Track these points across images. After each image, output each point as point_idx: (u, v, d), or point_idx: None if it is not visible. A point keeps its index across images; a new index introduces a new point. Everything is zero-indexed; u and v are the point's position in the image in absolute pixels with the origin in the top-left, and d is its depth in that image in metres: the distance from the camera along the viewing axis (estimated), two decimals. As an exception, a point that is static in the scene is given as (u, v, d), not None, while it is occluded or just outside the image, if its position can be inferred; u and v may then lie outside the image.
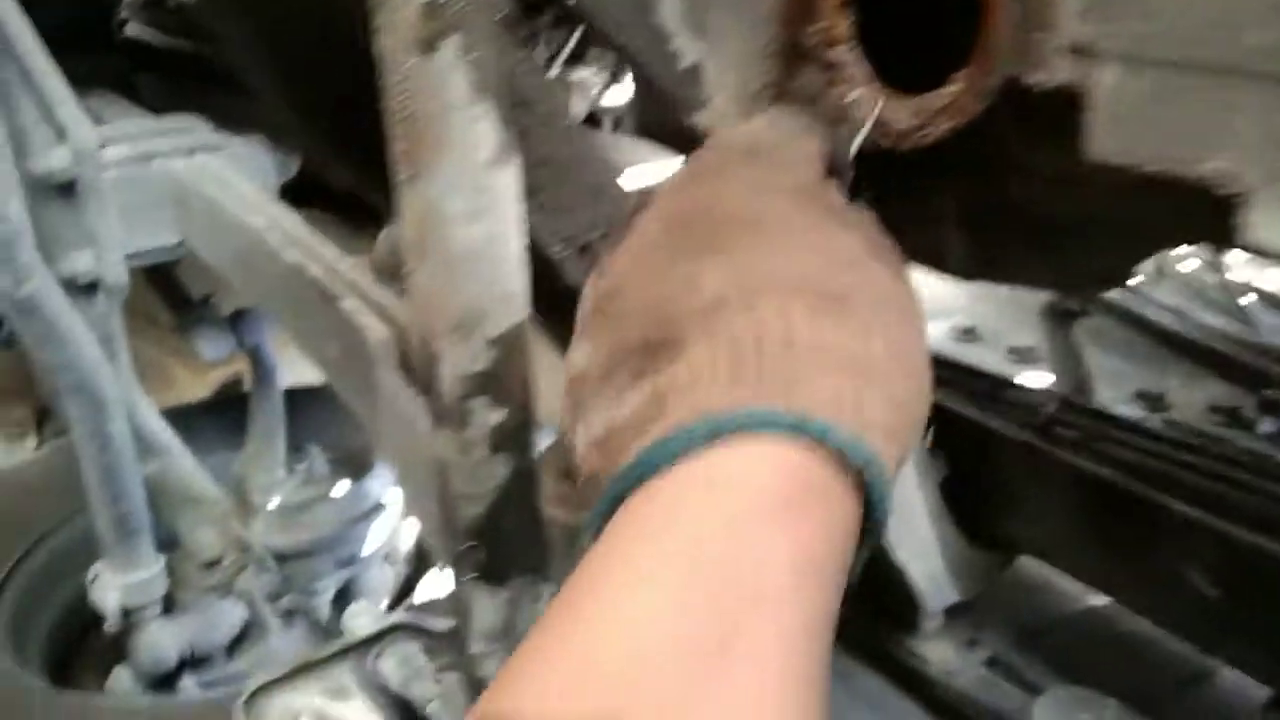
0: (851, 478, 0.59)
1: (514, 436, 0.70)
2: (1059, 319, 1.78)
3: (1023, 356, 2.05)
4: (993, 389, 1.51)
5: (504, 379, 0.68)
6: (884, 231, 0.87)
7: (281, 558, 2.76)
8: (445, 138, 0.61)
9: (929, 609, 1.31)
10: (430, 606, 1.82)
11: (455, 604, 0.88)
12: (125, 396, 2.47)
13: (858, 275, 0.73)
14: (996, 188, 0.96)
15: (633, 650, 0.49)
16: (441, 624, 1.73)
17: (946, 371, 1.59)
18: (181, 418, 3.07)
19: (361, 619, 1.72)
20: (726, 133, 0.88)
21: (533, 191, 0.92)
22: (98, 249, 2.25)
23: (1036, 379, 1.89)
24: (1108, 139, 0.78)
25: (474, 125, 0.61)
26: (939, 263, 1.07)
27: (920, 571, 1.29)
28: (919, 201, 1.08)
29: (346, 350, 1.51)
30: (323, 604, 2.85)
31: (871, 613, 1.41)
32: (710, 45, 1.01)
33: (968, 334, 2.25)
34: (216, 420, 3.57)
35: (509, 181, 0.65)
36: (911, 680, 1.52)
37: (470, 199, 0.63)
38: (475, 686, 0.84)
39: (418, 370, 0.70)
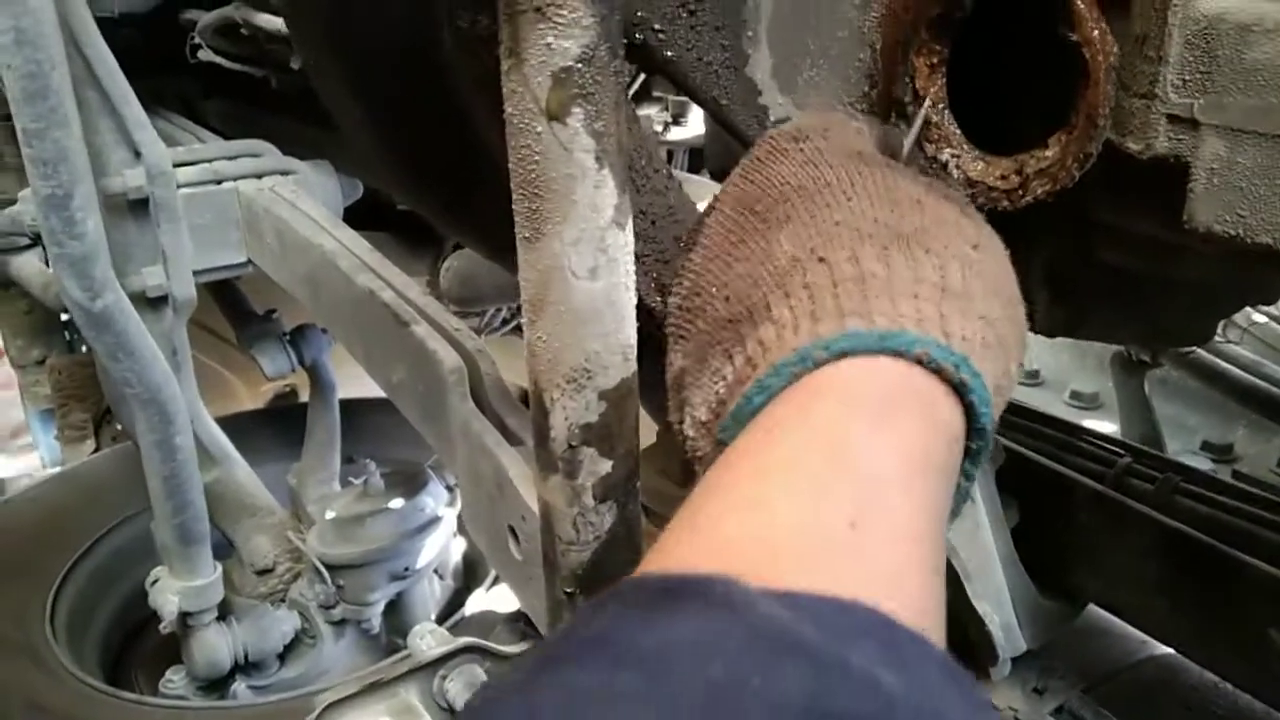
0: (948, 385, 0.59)
1: (620, 487, 0.72)
2: (1129, 368, 1.76)
3: (1086, 402, 2.03)
4: (1066, 436, 1.51)
5: (613, 431, 0.70)
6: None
7: (335, 568, 2.79)
8: (570, 203, 0.63)
9: (1002, 656, 1.31)
10: (490, 624, 1.84)
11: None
12: (189, 407, 2.52)
13: (923, 215, 0.73)
14: (1085, 250, 0.97)
15: (766, 527, 0.50)
16: (509, 647, 1.75)
17: (1018, 417, 1.59)
18: (236, 426, 3.13)
19: (427, 639, 1.74)
20: (775, 129, 0.89)
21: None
22: (168, 265, 2.31)
23: (1101, 426, 1.88)
24: (1210, 209, 0.78)
25: (597, 191, 0.63)
26: (1032, 322, 1.08)
27: (997, 618, 1.28)
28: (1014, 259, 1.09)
29: (416, 374, 1.54)
30: (375, 615, 2.88)
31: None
32: (799, 101, 1.02)
33: (1032, 377, 2.24)
34: (271, 429, 3.63)
35: (625, 240, 0.67)
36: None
37: (591, 258, 0.64)
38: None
39: (533, 419, 0.72)
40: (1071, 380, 2.08)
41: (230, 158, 2.41)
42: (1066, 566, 1.39)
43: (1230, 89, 0.75)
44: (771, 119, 1.04)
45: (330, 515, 2.83)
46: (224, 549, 2.85)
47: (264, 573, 2.89)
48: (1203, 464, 1.84)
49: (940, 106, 0.96)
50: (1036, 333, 1.11)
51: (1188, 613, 1.24)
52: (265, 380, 3.78)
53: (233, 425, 3.15)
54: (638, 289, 0.84)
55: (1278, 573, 1.14)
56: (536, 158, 0.63)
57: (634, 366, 0.69)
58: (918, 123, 0.92)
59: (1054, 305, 1.04)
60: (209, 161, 2.38)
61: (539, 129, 0.61)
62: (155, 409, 2.42)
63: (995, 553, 1.25)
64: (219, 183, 2.36)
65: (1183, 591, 1.24)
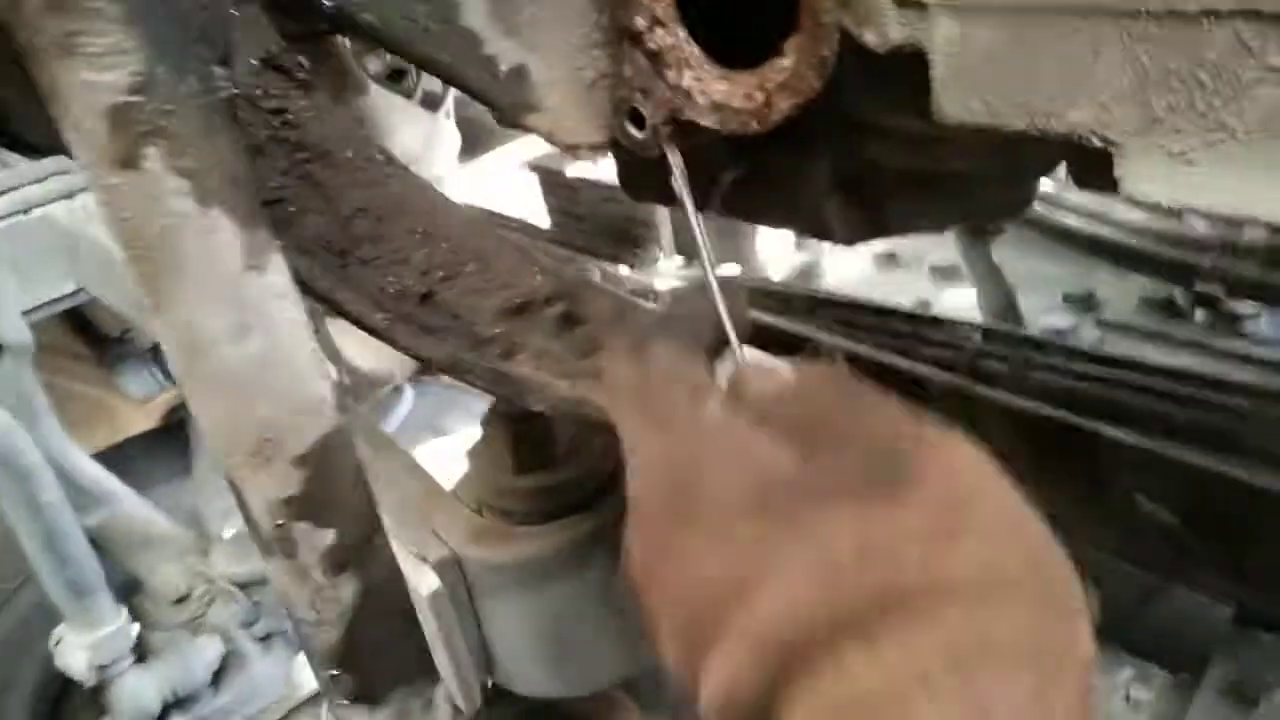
0: None
1: (356, 552, 0.62)
2: (974, 236, 1.70)
3: (945, 275, 1.97)
4: (914, 329, 1.44)
5: (325, 496, 0.60)
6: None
7: (247, 585, 2.69)
8: (177, 255, 0.51)
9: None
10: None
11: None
12: (54, 455, 2.37)
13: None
14: (860, 153, 0.87)
15: None
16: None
17: (867, 316, 1.52)
18: (126, 454, 2.97)
19: (308, 670, 1.65)
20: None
21: (352, 246, 0.83)
22: (-9, 311, 2.14)
23: (961, 297, 1.82)
24: (955, 98, 0.69)
25: (210, 237, 0.52)
26: (823, 232, 0.99)
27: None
28: (790, 175, 0.99)
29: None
30: (300, 624, 2.79)
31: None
32: (529, 43, 0.90)
33: (889, 259, 2.18)
34: (166, 449, 3.46)
35: (273, 282, 0.56)
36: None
37: (229, 315, 0.53)
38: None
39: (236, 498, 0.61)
40: (929, 254, 2.02)
41: (38, 180, 2.21)
42: (936, 463, 1.33)
43: (953, -40, 0.65)
44: (502, 69, 0.93)
45: (230, 533, 2.71)
46: (134, 586, 2.73)
47: (179, 601, 2.78)
48: (1065, 319, 1.79)
49: (674, 26, 0.85)
50: (836, 242, 1.03)
51: (1058, 490, 1.19)
52: (149, 400, 3.60)
53: (122, 454, 2.99)
54: (354, 310, 0.73)
55: (1133, 438, 1.08)
56: (125, 214, 0.51)
57: (335, 418, 0.59)
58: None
59: (847, 210, 0.96)
60: (13, 189, 2.19)
61: (114, 181, 0.50)
62: (12, 471, 2.27)
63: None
64: (27, 211, 2.17)
65: (1049, 470, 1.18)
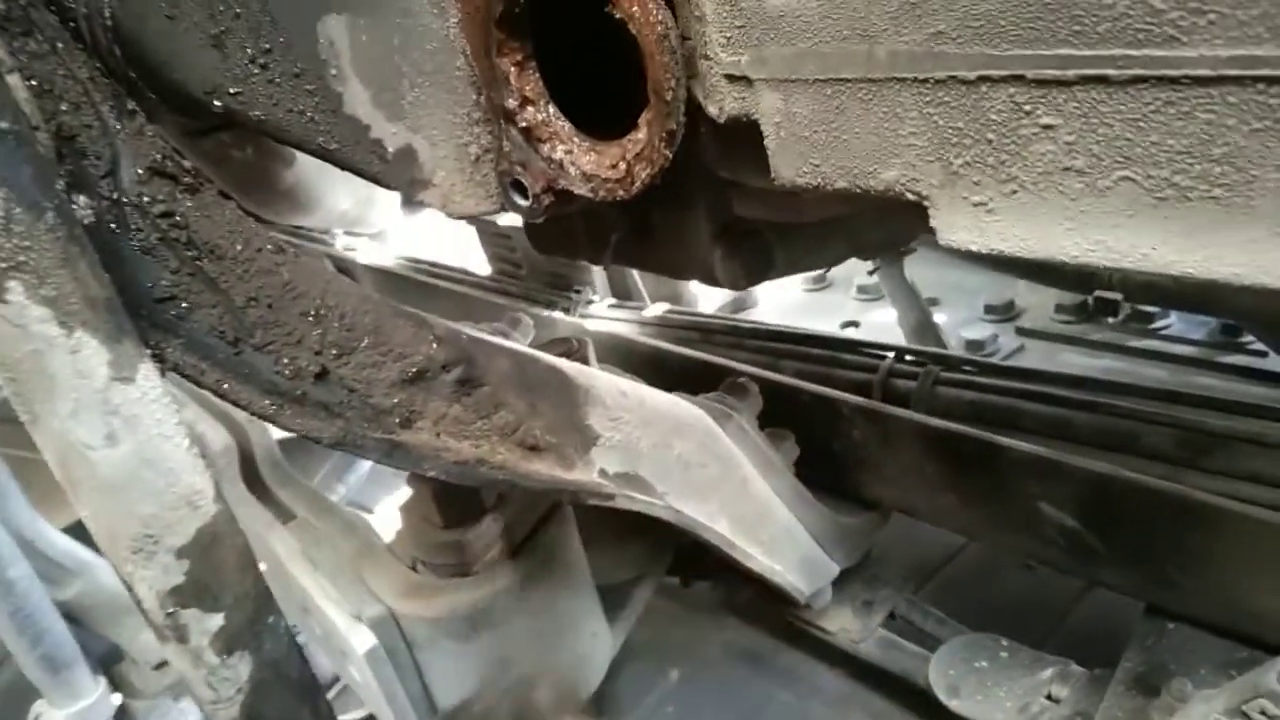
0: None
1: (247, 633, 0.66)
2: (889, 261, 1.75)
3: (872, 294, 2.02)
4: (831, 354, 1.48)
5: (211, 582, 0.63)
6: None
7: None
8: (48, 378, 0.55)
9: (804, 596, 1.29)
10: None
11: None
12: (22, 530, 2.37)
13: None
14: (730, 208, 0.92)
15: None
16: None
17: (786, 345, 1.56)
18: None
19: None
20: None
21: (246, 335, 0.86)
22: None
23: (886, 314, 1.86)
24: (787, 162, 0.74)
25: (76, 356, 0.56)
26: (712, 279, 1.03)
27: (788, 563, 1.26)
28: (675, 229, 1.04)
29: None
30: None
31: (770, 590, 1.38)
32: (414, 125, 0.95)
33: (819, 282, 2.23)
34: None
35: (143, 389, 0.60)
36: (823, 650, 1.52)
37: (99, 424, 0.57)
38: None
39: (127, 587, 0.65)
40: (856, 275, 2.07)
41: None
42: (855, 482, 1.37)
43: (766, 41, 0.70)
44: (391, 151, 0.97)
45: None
46: (115, 654, 2.72)
47: (160, 667, 2.78)
48: (985, 330, 1.84)
49: (544, 104, 0.90)
50: (727, 286, 1.07)
51: (968, 502, 1.24)
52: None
53: None
54: (264, 383, 0.77)
55: (1034, 449, 1.13)
56: (-7, 342, 0.55)
57: (213, 508, 0.62)
58: None
59: (730, 259, 1.00)
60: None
61: (-22, 312, 0.53)
62: (-31, 551, 2.28)
63: (771, 499, 1.22)
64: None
65: (958, 483, 1.23)
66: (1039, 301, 1.90)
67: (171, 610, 0.63)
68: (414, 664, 1.20)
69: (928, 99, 0.64)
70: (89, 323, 0.56)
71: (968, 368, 1.34)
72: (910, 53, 0.64)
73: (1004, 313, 1.91)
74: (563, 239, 1.18)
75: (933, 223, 0.69)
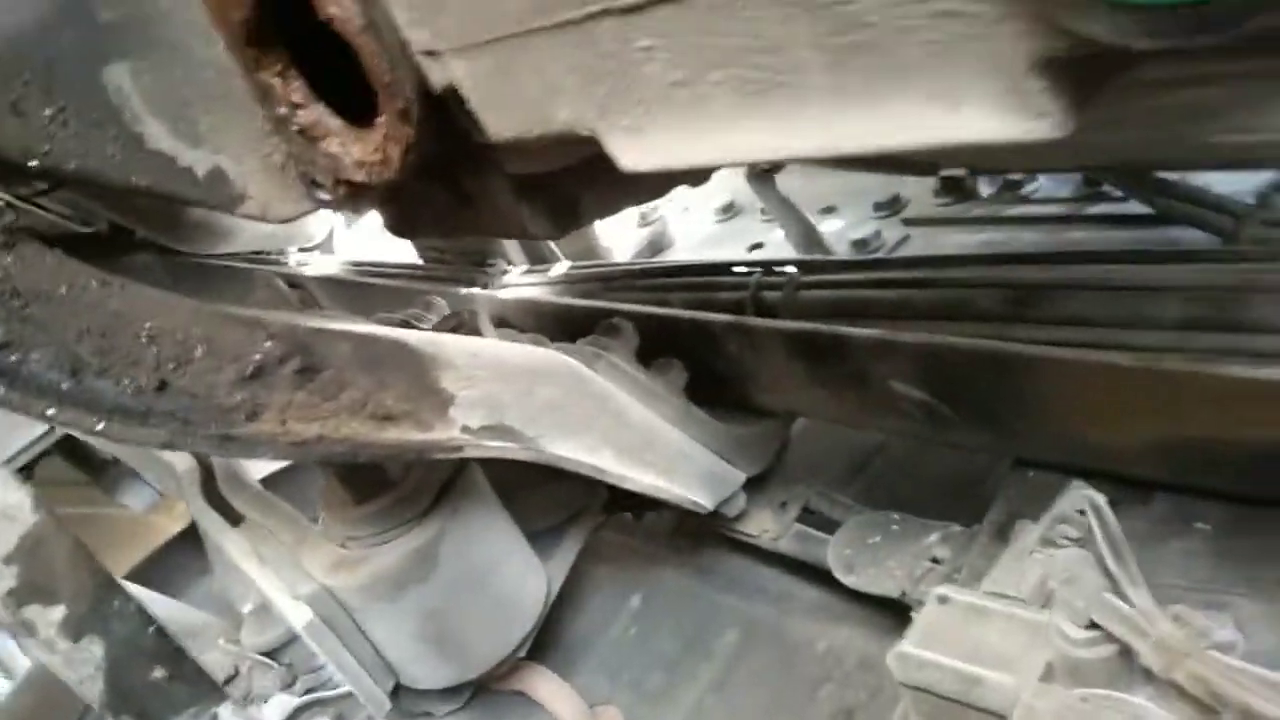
0: None
1: (91, 619, 0.73)
2: (762, 179, 1.76)
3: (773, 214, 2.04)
4: (711, 279, 1.52)
5: (45, 581, 0.71)
6: None
7: (275, 651, 2.81)
8: None
9: (705, 509, 1.34)
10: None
11: None
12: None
13: None
14: (504, 166, 0.97)
15: None
16: (342, 688, 1.78)
17: (671, 279, 1.61)
18: (160, 561, 3.10)
19: (272, 710, 1.80)
20: None
21: (83, 366, 0.94)
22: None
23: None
24: (490, 120, 0.78)
25: None
26: (525, 232, 1.08)
27: (687, 481, 1.31)
28: (485, 194, 1.09)
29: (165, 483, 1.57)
30: (334, 675, 2.92)
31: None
32: (216, 147, 1.00)
33: (728, 209, 2.25)
34: (196, 545, 3.61)
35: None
36: (755, 553, 1.57)
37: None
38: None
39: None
40: (760, 200, 2.08)
41: None
42: (743, 395, 1.42)
43: (436, 16, 0.75)
44: (201, 175, 1.03)
45: (248, 607, 2.84)
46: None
47: (229, 681, 2.92)
48: (871, 228, 1.86)
49: (311, 104, 0.95)
50: (541, 239, 1.12)
51: (835, 393, 1.28)
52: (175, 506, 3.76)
53: (157, 561, 3.12)
54: (105, 402, 0.84)
55: (872, 332, 1.16)
56: None
57: (32, 517, 0.70)
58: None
59: (535, 214, 1.05)
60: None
61: None
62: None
63: (657, 424, 1.27)
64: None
65: (821, 377, 1.27)
66: (922, 193, 1.91)
67: (14, 609, 0.71)
68: (360, 632, 1.28)
69: (560, 44, 0.68)
70: None
71: (825, 270, 1.38)
72: (530, 5, 0.68)
73: (890, 207, 1.92)
74: (409, 222, 1.24)
75: (607, 151, 0.73)
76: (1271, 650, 0.92)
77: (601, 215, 1.11)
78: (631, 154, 0.71)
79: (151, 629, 0.79)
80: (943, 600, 0.92)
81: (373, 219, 2.75)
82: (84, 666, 0.74)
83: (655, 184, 1.13)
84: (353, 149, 0.93)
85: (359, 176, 0.94)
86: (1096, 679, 0.77)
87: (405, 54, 0.80)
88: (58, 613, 0.71)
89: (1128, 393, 1.01)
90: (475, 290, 1.78)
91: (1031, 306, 1.15)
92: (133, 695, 0.77)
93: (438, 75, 0.80)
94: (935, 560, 1.21)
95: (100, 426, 0.85)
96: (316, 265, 2.34)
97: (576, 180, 1.09)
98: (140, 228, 1.96)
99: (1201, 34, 0.47)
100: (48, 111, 1.01)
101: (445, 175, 1.09)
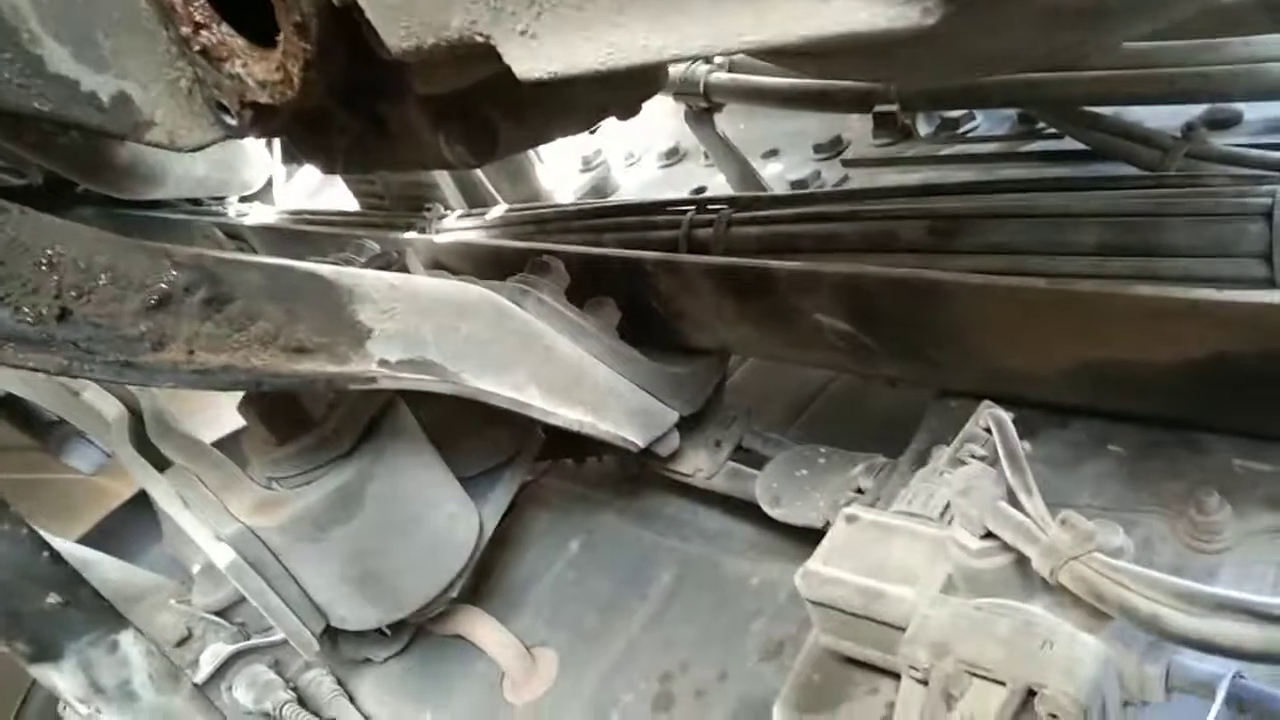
0: None
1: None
2: (699, 118, 1.76)
3: (717, 159, 2.05)
4: (645, 218, 1.52)
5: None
6: None
7: (227, 610, 2.80)
8: None
9: (637, 447, 1.35)
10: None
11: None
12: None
13: None
14: (414, 88, 0.96)
15: None
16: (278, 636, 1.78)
17: (607, 219, 1.60)
18: (114, 524, 3.08)
19: (207, 658, 1.80)
20: None
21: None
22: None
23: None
24: (388, 32, 0.78)
25: None
26: (443, 161, 1.07)
27: (616, 419, 1.32)
28: (402, 123, 1.08)
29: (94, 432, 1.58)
30: (284, 628, 2.92)
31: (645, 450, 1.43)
32: (121, 72, 0.99)
33: (672, 154, 2.25)
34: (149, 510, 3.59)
35: None
36: (691, 493, 1.59)
37: None
38: None
39: None
40: (701, 145, 2.08)
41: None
42: (675, 332, 1.42)
43: (328, -80, 0.73)
44: (105, 100, 1.01)
45: (197, 567, 2.83)
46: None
47: (182, 643, 2.91)
48: (810, 169, 1.86)
49: (216, 25, 0.93)
50: (459, 168, 1.12)
51: (762, 329, 1.28)
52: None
53: (110, 525, 3.09)
54: (19, 326, 0.83)
55: (796, 265, 1.17)
56: None
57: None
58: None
59: (452, 143, 1.04)
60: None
61: None
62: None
63: (587, 361, 1.28)
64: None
65: (748, 313, 1.27)
66: (860, 133, 1.91)
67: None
68: (285, 571, 1.28)
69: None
70: None
71: (756, 206, 1.38)
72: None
73: (831, 149, 1.93)
74: (324, 155, 1.22)
75: (504, 59, 0.73)
76: (1171, 562, 0.95)
77: (524, 145, 1.11)
78: (526, 61, 0.71)
79: (45, 554, 0.79)
80: (850, 520, 0.93)
81: (312, 171, 2.72)
82: (-24, 588, 0.73)
83: (577, 112, 1.13)
84: (255, 69, 0.92)
85: (263, 98, 0.93)
86: (994, 589, 0.78)
87: (300, -35, 0.78)
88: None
89: (1043, 317, 1.03)
90: (411, 235, 1.77)
91: (954, 237, 1.16)
92: (24, 621, 0.77)
93: (329, -11, 0.78)
94: (859, 491, 1.23)
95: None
96: (255, 215, 2.31)
97: (493, 106, 1.08)
98: (68, 172, 1.93)
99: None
100: (-60, 33, 0.99)
101: (361, 102, 1.08)
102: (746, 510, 1.51)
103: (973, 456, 0.92)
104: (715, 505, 1.57)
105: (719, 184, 1.98)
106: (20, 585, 0.75)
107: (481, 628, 1.52)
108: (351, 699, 1.60)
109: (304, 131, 1.13)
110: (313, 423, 1.24)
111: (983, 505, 0.79)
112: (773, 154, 2.02)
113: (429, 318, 1.15)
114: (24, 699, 3.05)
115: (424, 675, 1.56)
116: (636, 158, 2.30)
